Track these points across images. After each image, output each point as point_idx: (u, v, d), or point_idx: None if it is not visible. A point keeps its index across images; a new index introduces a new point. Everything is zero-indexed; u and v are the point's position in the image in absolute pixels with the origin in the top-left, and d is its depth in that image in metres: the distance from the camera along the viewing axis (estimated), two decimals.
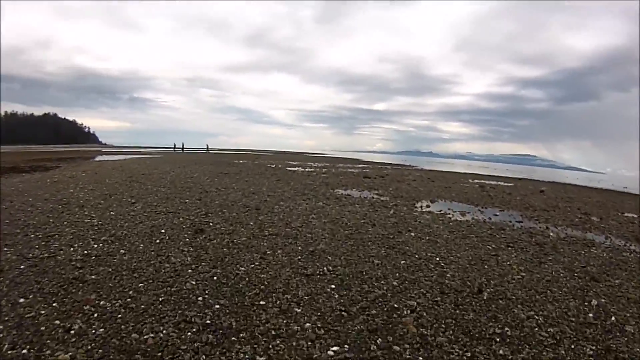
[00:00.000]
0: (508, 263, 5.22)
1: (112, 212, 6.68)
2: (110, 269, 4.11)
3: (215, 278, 3.99)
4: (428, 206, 10.07)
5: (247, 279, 4.03)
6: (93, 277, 3.94)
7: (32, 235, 5.19)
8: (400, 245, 5.76)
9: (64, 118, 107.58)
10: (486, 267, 4.99)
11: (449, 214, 9.00)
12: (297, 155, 52.57)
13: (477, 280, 4.44)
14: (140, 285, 3.76)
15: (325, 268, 4.51)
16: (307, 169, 22.01)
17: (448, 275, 4.55)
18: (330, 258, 4.92)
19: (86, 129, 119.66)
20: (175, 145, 61.74)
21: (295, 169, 21.89)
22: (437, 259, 5.20)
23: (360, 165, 31.66)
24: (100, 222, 5.97)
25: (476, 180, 21.58)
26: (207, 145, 67.61)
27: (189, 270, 4.16)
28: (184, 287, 3.71)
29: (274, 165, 23.79)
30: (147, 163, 20.55)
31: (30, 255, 4.49)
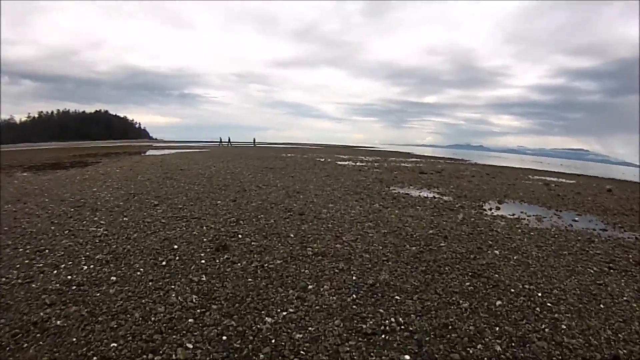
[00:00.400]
0: (624, 299, 3.67)
1: (125, 218, 5.58)
2: (85, 311, 2.87)
3: (224, 338, 2.57)
4: (498, 208, 8.22)
5: (273, 341, 2.56)
6: (59, 322, 2.74)
7: (21, 249, 4.16)
8: (486, 272, 4.08)
9: (115, 115, 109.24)
10: (602, 306, 3.48)
11: (524, 219, 7.32)
12: (347, 149, 50.74)
13: (602, 335, 2.88)
14: (112, 346, 2.44)
15: (392, 319, 2.92)
16: (357, 163, 20.34)
17: (563, 327, 3.01)
18: (398, 298, 3.31)
19: (137, 125, 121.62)
20: (221, 140, 58.18)
21: (346, 163, 20.30)
22: (539, 294, 3.63)
23: (413, 159, 29.27)
24: (105, 232, 4.85)
25: (536, 177, 18.50)
26: (254, 139, 63.36)
27: (190, 321, 2.77)
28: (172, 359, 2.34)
29: (323, 159, 22.39)
30: (190, 158, 20.11)
31: (4, 278, 3.42)
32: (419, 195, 9.17)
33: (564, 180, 18.42)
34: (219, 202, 7.05)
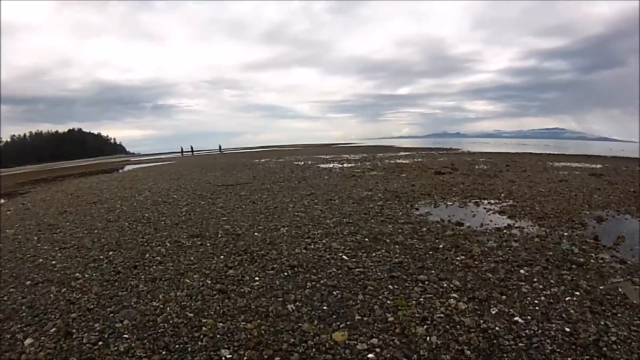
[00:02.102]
0: None
1: None
2: None
3: None
4: (617, 245, 4.34)
5: None
6: None
7: None
8: None
9: (89, 132, 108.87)
10: None
11: None
12: (327, 148, 46.41)
13: None
14: None
15: None
16: (345, 165, 16.36)
17: None
18: None
19: (112, 140, 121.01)
20: (182, 149, 52.20)
21: (331, 165, 16.27)
22: None
23: (404, 153, 25.51)
24: None
25: (563, 164, 15.07)
26: (220, 146, 58.21)
27: None
28: None
29: (302, 163, 18.29)
30: (135, 176, 15.74)
31: None
32: (481, 223, 5.29)
33: (589, 165, 15.07)
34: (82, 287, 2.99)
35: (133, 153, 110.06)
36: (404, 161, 17.64)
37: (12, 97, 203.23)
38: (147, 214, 6.79)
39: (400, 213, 6.04)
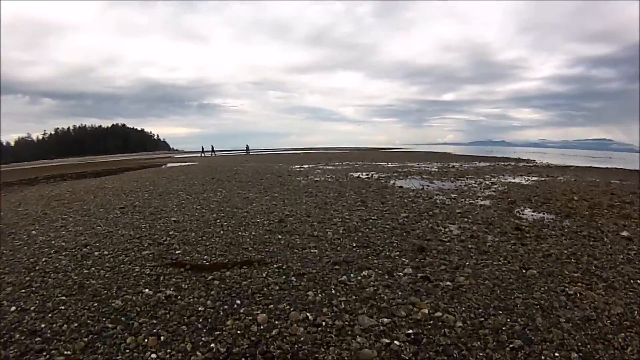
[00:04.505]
0: None
1: None
2: None
3: None
4: None
5: None
6: None
7: None
8: None
9: (133, 127, 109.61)
10: None
11: None
12: (378, 153, 39.63)
13: None
14: None
15: None
16: (436, 182, 10.32)
17: None
18: None
19: (154, 137, 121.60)
20: (203, 149, 45.32)
21: (416, 184, 10.19)
22: None
23: (486, 165, 19.12)
24: None
25: None
26: (247, 146, 49.04)
27: None
28: None
29: (366, 176, 12.32)
30: (138, 180, 10.72)
31: None
32: None
33: None
34: None
35: (176, 150, 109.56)
36: (531, 180, 11.31)
37: (60, 92, 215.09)
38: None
39: None
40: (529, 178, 11.95)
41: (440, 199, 7.46)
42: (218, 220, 5.73)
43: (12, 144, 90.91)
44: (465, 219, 5.63)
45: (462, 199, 7.47)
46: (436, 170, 14.82)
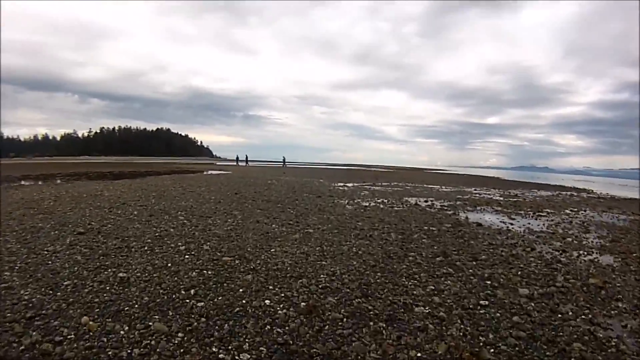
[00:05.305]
0: None
1: None
2: None
3: None
4: None
5: None
6: None
7: None
8: None
9: (177, 133, 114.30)
10: None
11: None
12: (423, 174, 37.80)
13: None
14: None
15: None
16: (490, 211, 8.33)
17: None
18: None
19: (198, 143, 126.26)
20: (237, 158, 48.42)
21: (475, 217, 8.22)
22: None
23: (530, 194, 16.48)
24: None
25: None
26: (284, 158, 47.65)
27: None
28: None
29: (425, 204, 10.40)
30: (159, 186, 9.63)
31: None
32: None
33: None
34: None
35: (219, 157, 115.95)
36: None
37: (109, 93, 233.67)
38: None
39: None
40: (615, 215, 9.70)
41: (547, 251, 5.52)
42: (191, 292, 3.25)
43: (58, 138, 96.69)
44: (619, 304, 3.45)
45: (575, 252, 5.51)
46: (502, 199, 12.66)
